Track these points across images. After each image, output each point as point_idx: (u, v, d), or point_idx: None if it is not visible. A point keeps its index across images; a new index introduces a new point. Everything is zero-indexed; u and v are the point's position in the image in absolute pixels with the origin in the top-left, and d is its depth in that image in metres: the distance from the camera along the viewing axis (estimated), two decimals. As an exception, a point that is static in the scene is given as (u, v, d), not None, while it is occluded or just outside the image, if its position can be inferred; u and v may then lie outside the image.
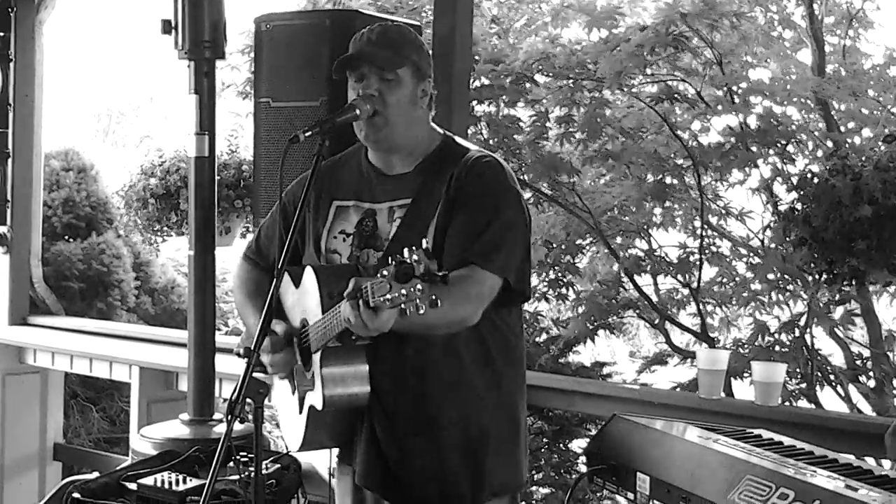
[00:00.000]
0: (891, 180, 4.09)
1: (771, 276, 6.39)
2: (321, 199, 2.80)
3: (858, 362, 7.12)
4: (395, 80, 2.63)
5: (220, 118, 4.28)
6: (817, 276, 4.91)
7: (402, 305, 2.08)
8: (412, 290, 2.06)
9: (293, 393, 2.70)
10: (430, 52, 2.80)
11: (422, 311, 2.07)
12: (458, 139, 2.81)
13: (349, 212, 2.74)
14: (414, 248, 2.08)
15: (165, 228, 6.51)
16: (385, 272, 2.09)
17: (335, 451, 2.90)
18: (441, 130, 2.79)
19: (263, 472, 2.50)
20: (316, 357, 2.55)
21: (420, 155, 2.71)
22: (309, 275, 2.60)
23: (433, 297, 2.07)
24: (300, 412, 2.66)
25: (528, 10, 7.31)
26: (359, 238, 2.70)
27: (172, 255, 8.76)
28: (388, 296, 2.09)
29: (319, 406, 2.54)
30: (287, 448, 3.18)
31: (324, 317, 2.47)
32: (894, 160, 4.18)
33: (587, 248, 7.50)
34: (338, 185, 2.79)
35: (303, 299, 2.62)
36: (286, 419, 2.77)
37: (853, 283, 4.64)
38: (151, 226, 6.47)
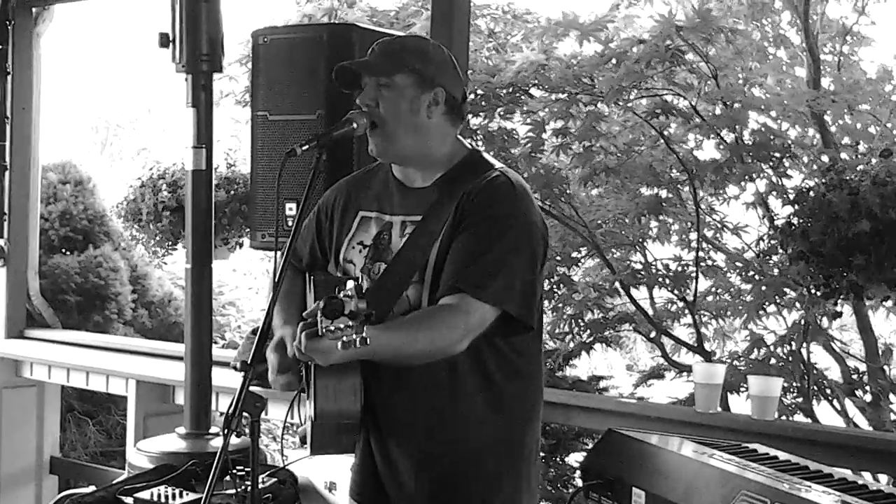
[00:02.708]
0: (888, 195, 4.09)
1: (765, 289, 6.39)
2: (348, 209, 2.75)
3: (855, 377, 7.11)
4: (390, 86, 2.58)
5: (218, 126, 4.29)
6: (814, 291, 4.91)
7: (345, 338, 2.10)
8: (344, 326, 2.09)
9: (307, 400, 2.71)
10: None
11: (356, 348, 2.10)
12: (486, 156, 2.71)
13: (371, 223, 2.69)
14: (354, 282, 2.11)
15: (177, 242, 6.53)
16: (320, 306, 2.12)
17: (332, 466, 2.90)
18: (470, 146, 2.72)
19: (260, 486, 2.50)
20: (312, 368, 2.55)
21: (440, 169, 2.64)
22: (311, 284, 2.62)
23: (363, 335, 2.09)
24: (308, 420, 2.67)
25: (523, 26, 7.32)
26: (374, 250, 2.64)
27: (169, 268, 8.77)
28: (332, 327, 2.11)
29: (313, 417, 2.55)
30: (285, 461, 3.18)
31: None
32: (891, 175, 4.18)
33: (582, 260, 7.51)
34: (365, 196, 2.74)
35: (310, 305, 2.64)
36: (307, 424, 2.78)
37: (850, 297, 4.64)
38: (165, 239, 6.48)
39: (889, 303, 5.49)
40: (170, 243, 6.53)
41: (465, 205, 2.55)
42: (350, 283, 2.11)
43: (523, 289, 2.53)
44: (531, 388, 2.69)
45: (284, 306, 2.65)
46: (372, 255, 2.64)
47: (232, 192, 6.21)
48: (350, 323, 2.09)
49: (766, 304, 6.46)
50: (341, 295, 2.10)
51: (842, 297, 4.59)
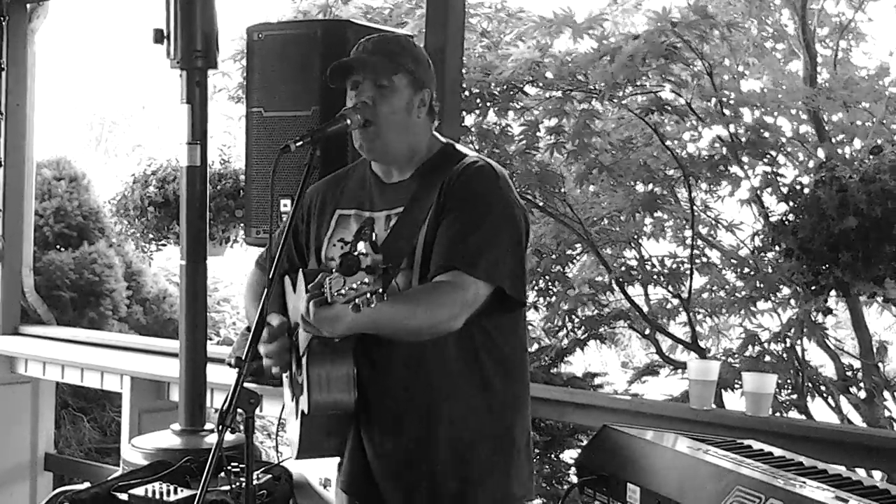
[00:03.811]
0: (876, 192, 4.11)
1: (759, 285, 6.40)
2: (326, 208, 2.79)
3: (849, 373, 7.12)
4: (389, 86, 2.61)
5: (211, 123, 4.29)
6: (804, 288, 4.92)
7: (356, 300, 2.09)
8: (360, 283, 2.07)
9: (292, 399, 2.71)
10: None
11: (372, 305, 2.09)
12: (459, 146, 2.77)
13: (350, 221, 2.72)
14: (363, 241, 2.10)
15: (162, 237, 6.52)
16: (335, 265, 2.11)
17: (327, 462, 2.89)
18: (444, 140, 2.77)
19: (255, 482, 2.50)
20: (304, 360, 2.55)
21: (418, 162, 2.69)
22: (300, 279, 2.62)
23: (379, 290, 2.08)
24: (296, 418, 2.67)
25: (516, 25, 7.30)
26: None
27: (164, 265, 8.76)
28: (343, 290, 2.10)
29: (306, 410, 2.54)
30: (280, 457, 3.18)
31: None
32: (880, 172, 4.20)
33: (577, 257, 7.51)
34: (342, 195, 2.78)
35: (296, 304, 2.63)
36: (290, 427, 2.78)
37: (838, 294, 4.66)
38: (148, 234, 6.48)
39: (881, 299, 5.51)
40: (154, 238, 6.53)
41: (447, 190, 2.59)
42: (362, 243, 2.10)
43: (512, 266, 2.58)
44: (517, 377, 2.72)
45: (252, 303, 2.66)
46: None
47: (219, 188, 6.21)
48: (366, 279, 2.07)
49: (759, 299, 6.46)
50: (356, 253, 2.09)
51: (830, 293, 4.61)
